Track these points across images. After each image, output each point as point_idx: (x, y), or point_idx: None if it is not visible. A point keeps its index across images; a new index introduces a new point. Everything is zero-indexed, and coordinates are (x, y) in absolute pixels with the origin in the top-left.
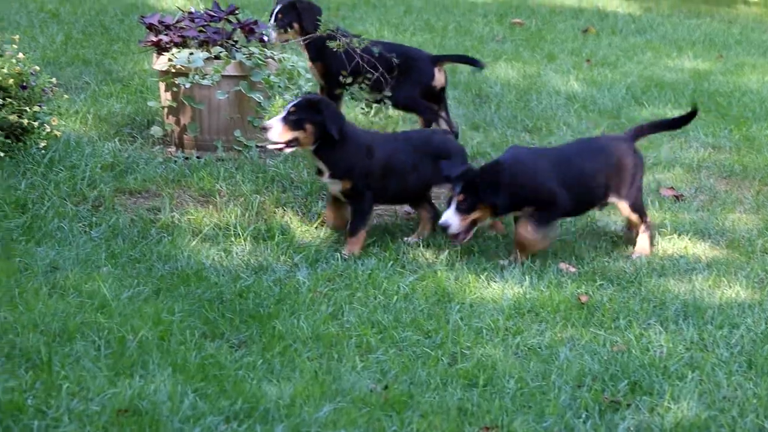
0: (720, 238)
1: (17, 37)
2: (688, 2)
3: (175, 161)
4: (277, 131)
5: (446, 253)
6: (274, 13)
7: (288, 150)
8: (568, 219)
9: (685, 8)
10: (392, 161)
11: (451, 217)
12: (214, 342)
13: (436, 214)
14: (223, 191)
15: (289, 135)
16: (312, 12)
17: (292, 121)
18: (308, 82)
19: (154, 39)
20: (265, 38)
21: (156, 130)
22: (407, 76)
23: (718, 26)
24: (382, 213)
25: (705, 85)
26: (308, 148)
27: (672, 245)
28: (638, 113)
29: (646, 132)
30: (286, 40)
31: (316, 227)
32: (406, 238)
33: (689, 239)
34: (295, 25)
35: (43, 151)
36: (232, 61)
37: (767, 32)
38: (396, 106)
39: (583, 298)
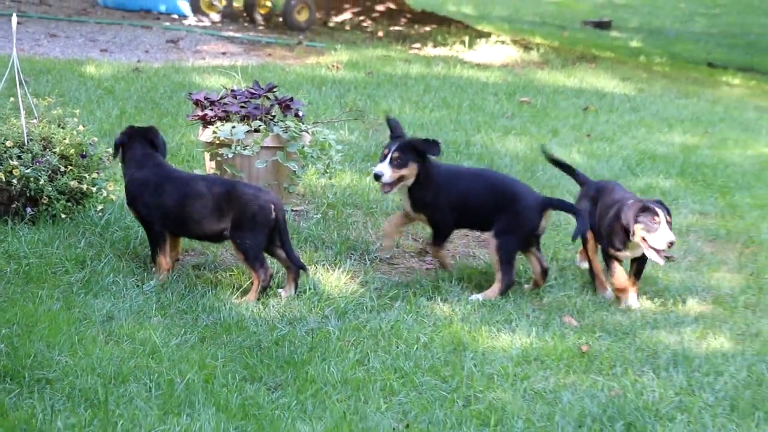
0: (706, 295)
1: (77, 111)
2: (677, 84)
3: None
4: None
5: (461, 307)
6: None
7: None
8: (571, 276)
9: (674, 89)
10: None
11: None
12: (253, 385)
13: (297, 272)
14: None
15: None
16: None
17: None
18: (338, 153)
19: (201, 113)
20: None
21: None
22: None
23: (704, 105)
24: (404, 271)
25: (693, 158)
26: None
27: (663, 301)
28: (633, 183)
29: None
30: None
31: (344, 282)
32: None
33: (679, 295)
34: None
35: (100, 214)
36: (270, 133)
37: (747, 111)
38: None
39: (584, 348)
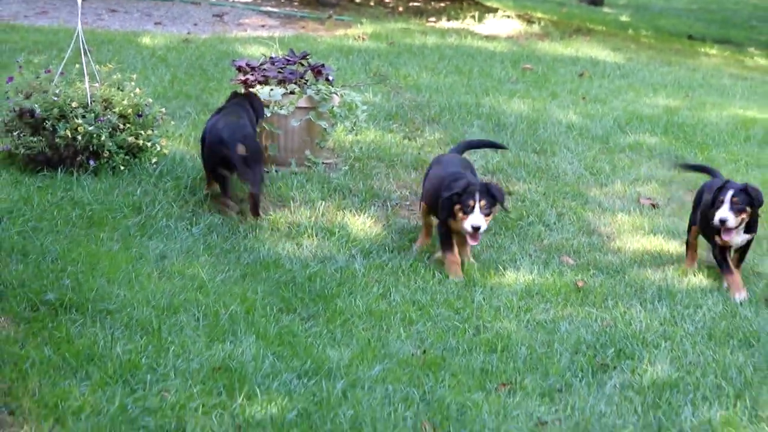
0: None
1: (134, 76)
2: (662, 54)
3: None
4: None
5: (472, 247)
6: (729, 197)
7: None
8: (568, 221)
9: (659, 59)
10: None
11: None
12: (289, 315)
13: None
14: (296, 198)
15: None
16: None
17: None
18: (363, 113)
19: (243, 78)
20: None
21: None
22: None
23: (685, 73)
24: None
25: (675, 119)
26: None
27: (649, 243)
28: (623, 140)
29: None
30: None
31: (368, 226)
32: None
33: (663, 238)
34: (749, 208)
35: (154, 166)
36: (304, 95)
37: (723, 78)
38: None
39: (580, 284)
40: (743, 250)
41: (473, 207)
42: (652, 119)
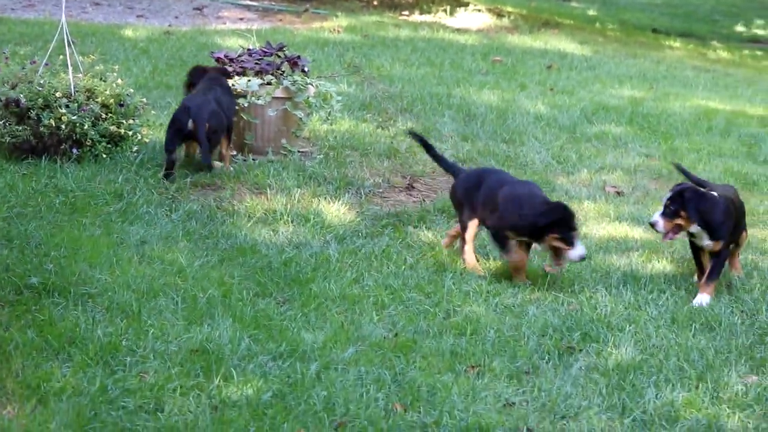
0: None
1: (116, 67)
2: (627, 46)
3: (236, 162)
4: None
5: (443, 234)
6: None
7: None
8: None
9: (624, 51)
10: None
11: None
12: (265, 299)
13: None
14: (272, 185)
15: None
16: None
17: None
18: (338, 103)
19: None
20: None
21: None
22: None
23: (650, 65)
24: (393, 203)
25: (640, 109)
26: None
27: (614, 229)
28: (589, 129)
29: None
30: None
31: (342, 212)
32: None
33: (628, 225)
34: (682, 213)
35: (135, 154)
36: (280, 86)
37: (686, 70)
38: None
39: (547, 269)
40: (715, 255)
41: (575, 238)
42: (618, 110)
